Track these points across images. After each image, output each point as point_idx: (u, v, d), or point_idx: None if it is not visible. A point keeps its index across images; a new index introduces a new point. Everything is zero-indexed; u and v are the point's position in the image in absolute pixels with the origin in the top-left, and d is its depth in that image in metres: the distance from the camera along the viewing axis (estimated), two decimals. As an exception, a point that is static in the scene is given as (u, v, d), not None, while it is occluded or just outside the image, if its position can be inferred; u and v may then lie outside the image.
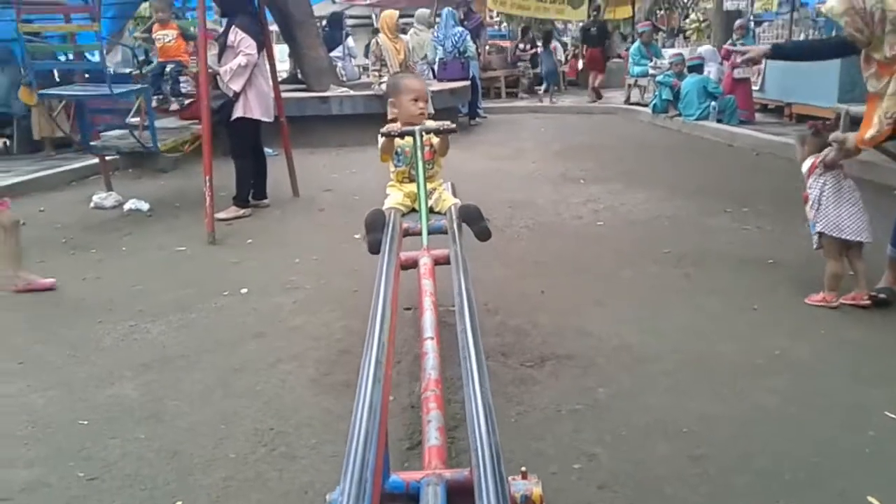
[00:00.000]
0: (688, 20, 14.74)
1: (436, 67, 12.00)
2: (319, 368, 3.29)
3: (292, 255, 5.05)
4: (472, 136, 10.93)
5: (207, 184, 5.50)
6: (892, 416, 2.74)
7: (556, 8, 15.98)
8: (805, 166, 3.93)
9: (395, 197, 3.32)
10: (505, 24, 24.52)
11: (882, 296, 3.78)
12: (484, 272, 4.30)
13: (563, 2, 15.77)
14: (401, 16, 11.14)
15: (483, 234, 3.04)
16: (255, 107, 6.13)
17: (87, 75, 7.52)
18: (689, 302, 4.02)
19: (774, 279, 4.26)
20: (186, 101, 7.10)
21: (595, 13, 17.73)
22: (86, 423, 2.87)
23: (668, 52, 13.00)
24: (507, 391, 3.02)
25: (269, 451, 2.63)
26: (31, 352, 3.59)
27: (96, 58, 6.55)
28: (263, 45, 6.18)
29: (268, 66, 6.40)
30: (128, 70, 9.81)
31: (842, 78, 8.59)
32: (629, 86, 13.58)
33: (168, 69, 6.54)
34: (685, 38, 18.17)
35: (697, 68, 10.60)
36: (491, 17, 22.57)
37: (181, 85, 6.90)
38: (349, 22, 16.94)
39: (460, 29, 12.13)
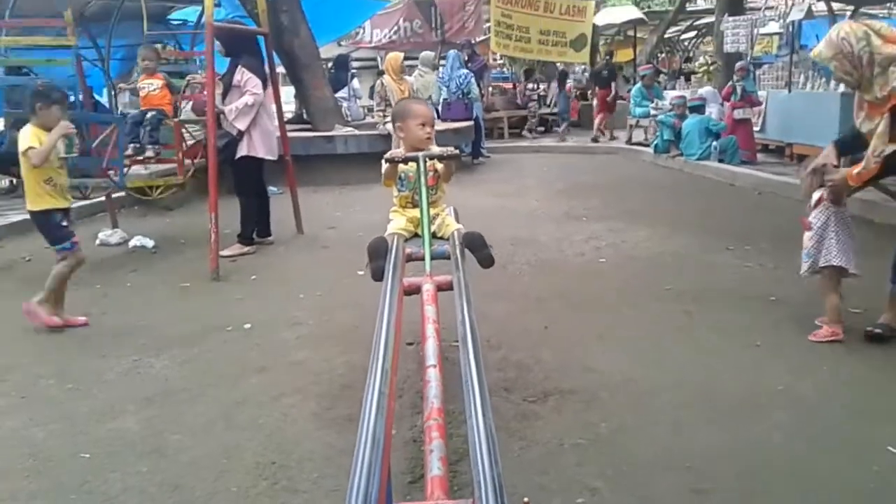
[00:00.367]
0: (697, 63, 14.95)
1: (440, 108, 12.15)
2: (321, 403, 3.29)
3: (296, 291, 5.07)
4: (475, 174, 11.01)
5: (213, 221, 5.55)
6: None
7: (559, 51, 16.17)
8: (814, 197, 3.96)
9: (398, 222, 3.32)
10: (507, 66, 24.86)
11: (877, 331, 3.80)
12: (487, 307, 4.31)
13: (565, 45, 15.97)
14: (405, 58, 11.32)
15: (486, 261, 3.04)
16: (259, 145, 6.22)
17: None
18: (691, 338, 4.02)
19: (776, 316, 4.26)
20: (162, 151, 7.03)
21: (608, 57, 18.24)
22: (87, 456, 2.87)
23: (669, 94, 13.15)
24: (509, 426, 3.01)
25: (271, 485, 2.63)
26: (34, 386, 3.60)
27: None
28: (267, 84, 6.28)
29: (273, 106, 6.49)
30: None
31: (842, 118, 8.65)
32: (631, 126, 13.71)
33: (149, 116, 6.49)
34: (686, 79, 18.39)
35: (699, 109, 10.71)
36: (494, 60, 22.87)
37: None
38: (354, 64, 17.17)
39: (465, 71, 12.31)
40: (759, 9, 13.73)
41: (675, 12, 18.97)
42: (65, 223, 4.43)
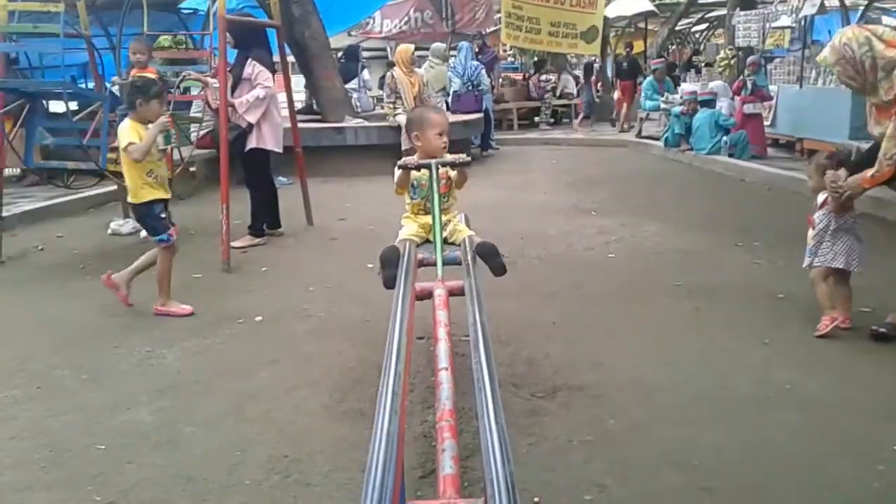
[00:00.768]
0: (718, 56, 14.85)
1: (450, 99, 12.16)
2: (333, 396, 3.33)
3: (306, 283, 5.10)
4: (484, 166, 11.01)
5: (224, 212, 5.58)
6: (903, 451, 2.75)
7: (569, 42, 16.09)
8: (820, 198, 4.00)
9: (410, 228, 3.37)
10: (517, 56, 24.80)
11: (882, 330, 3.82)
12: (496, 303, 4.32)
13: (576, 37, 15.89)
14: (416, 48, 11.31)
15: (499, 270, 3.10)
16: (269, 138, 6.26)
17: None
18: (700, 335, 4.04)
19: (785, 313, 4.27)
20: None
21: (629, 49, 18.45)
22: (102, 448, 2.91)
23: (685, 87, 13.08)
24: (518, 422, 3.03)
25: (284, 478, 2.66)
26: (49, 377, 3.64)
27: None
28: (275, 75, 6.33)
29: (281, 96, 6.53)
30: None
31: (853, 114, 8.63)
32: (641, 119, 13.68)
33: None
34: (697, 72, 18.30)
35: (709, 103, 10.68)
36: (504, 51, 22.84)
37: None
38: (364, 54, 17.16)
39: (476, 63, 12.31)
40: (772, 2, 13.65)
41: (686, 4, 18.80)
42: (163, 215, 4.52)
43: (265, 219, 6.49)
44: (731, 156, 10.12)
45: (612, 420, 3.07)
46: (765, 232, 6.19)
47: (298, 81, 11.62)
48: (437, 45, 12.66)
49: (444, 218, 3.20)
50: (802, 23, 11.46)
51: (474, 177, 9.12)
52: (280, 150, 6.49)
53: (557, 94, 17.17)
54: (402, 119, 9.72)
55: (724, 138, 10.25)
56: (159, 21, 9.20)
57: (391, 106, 9.84)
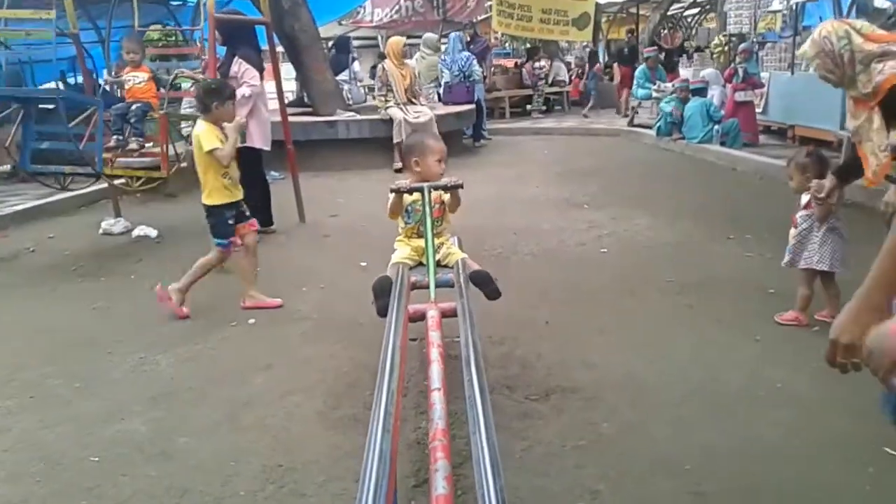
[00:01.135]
0: (713, 43, 14.82)
1: (441, 91, 12.13)
2: (327, 402, 3.34)
3: (298, 283, 5.10)
4: (476, 158, 11.01)
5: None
6: (892, 452, 2.77)
7: (561, 29, 16.07)
8: (803, 200, 4.04)
9: (403, 251, 3.43)
10: (509, 42, 24.74)
11: None
12: (489, 303, 4.33)
13: (567, 24, 15.87)
14: (407, 37, 11.26)
15: (493, 295, 3.26)
16: (257, 136, 6.26)
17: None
18: (692, 332, 4.06)
19: (775, 309, 4.28)
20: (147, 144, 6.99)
21: (630, 35, 18.61)
22: (96, 460, 2.91)
23: (683, 74, 13.08)
24: (511, 426, 3.05)
25: (278, 489, 2.67)
26: (42, 386, 3.64)
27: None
28: (263, 73, 6.30)
29: (267, 94, 6.51)
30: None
31: (844, 101, 8.61)
32: (633, 108, 13.67)
33: (133, 108, 6.41)
34: (689, 57, 18.28)
35: (701, 91, 10.68)
36: (496, 38, 22.76)
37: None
38: (355, 43, 17.08)
39: (467, 53, 12.25)
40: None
41: (678, -11, 18.87)
42: (231, 221, 4.59)
43: (256, 217, 6.46)
44: (723, 144, 10.14)
45: (605, 423, 3.08)
46: (756, 223, 6.20)
47: (288, 69, 11.52)
48: (429, 36, 12.63)
49: (437, 241, 3.29)
50: (794, 8, 11.45)
51: (467, 169, 9.22)
52: (268, 148, 6.47)
53: (549, 81, 17.14)
54: (393, 112, 9.71)
55: (716, 127, 10.27)
56: (149, 14, 9.16)
57: (382, 99, 9.83)
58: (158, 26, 10.69)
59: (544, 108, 16.88)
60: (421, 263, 3.35)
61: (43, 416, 3.30)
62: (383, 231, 3.50)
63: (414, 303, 2.96)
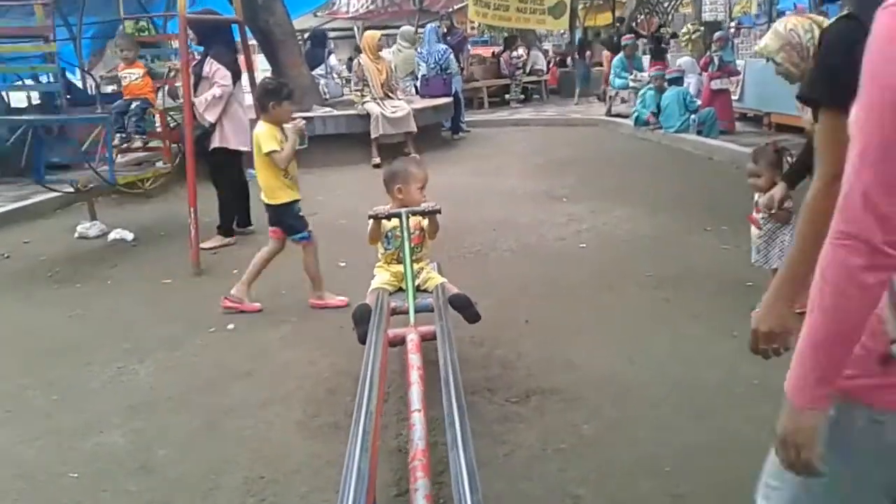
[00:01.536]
0: (681, 32, 14.80)
1: (418, 84, 12.07)
2: (307, 410, 3.33)
3: (278, 286, 5.07)
4: (454, 150, 11.00)
5: (192, 216, 5.52)
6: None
7: (537, 18, 16.09)
8: (762, 201, 4.00)
9: (382, 277, 3.47)
10: (486, 30, 24.69)
11: None
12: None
13: (543, 12, 15.89)
14: (384, 27, 11.20)
15: (473, 318, 3.32)
16: (231, 137, 6.19)
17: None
18: (669, 328, 4.09)
19: (752, 303, 4.27)
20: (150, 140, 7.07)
21: (618, 24, 18.52)
22: (76, 476, 2.89)
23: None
24: (493, 430, 3.06)
25: (259, 501, 2.67)
26: (19, 398, 3.61)
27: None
28: (239, 74, 6.25)
29: (244, 95, 6.45)
30: (110, 88, 9.73)
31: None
32: (610, 97, 13.67)
33: (133, 106, 6.41)
34: (665, 43, 18.34)
35: (677, 80, 10.72)
36: (472, 28, 22.70)
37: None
38: (331, 34, 16.99)
39: (443, 46, 12.16)
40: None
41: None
42: (301, 213, 4.63)
43: (234, 218, 6.44)
44: (699, 133, 10.19)
45: (585, 424, 3.10)
46: (732, 214, 6.21)
47: (263, 60, 11.40)
48: (406, 29, 12.56)
49: (416, 266, 3.33)
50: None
51: (444, 162, 9.19)
52: (247, 149, 6.41)
53: (527, 70, 17.13)
54: (370, 107, 9.67)
55: (693, 116, 10.31)
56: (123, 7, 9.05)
57: (359, 94, 9.79)
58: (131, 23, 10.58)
59: (522, 97, 16.88)
60: (401, 289, 3.39)
61: (21, 431, 3.26)
62: (363, 229, 3.51)
63: (394, 327, 3.01)
